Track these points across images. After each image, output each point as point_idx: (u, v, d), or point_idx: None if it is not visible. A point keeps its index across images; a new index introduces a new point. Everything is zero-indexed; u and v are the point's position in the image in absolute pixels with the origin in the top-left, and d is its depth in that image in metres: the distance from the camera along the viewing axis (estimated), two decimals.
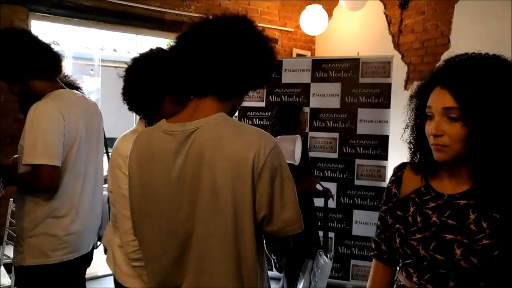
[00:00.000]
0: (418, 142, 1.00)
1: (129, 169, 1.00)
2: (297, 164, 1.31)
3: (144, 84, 1.25)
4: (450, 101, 0.87)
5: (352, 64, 3.36)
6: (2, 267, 2.51)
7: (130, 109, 1.33)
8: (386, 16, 3.93)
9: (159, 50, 1.30)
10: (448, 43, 3.33)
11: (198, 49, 0.93)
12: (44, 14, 3.24)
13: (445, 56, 3.65)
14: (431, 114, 0.92)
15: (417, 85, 1.01)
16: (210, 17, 0.97)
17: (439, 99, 0.90)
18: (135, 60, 1.30)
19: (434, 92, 0.92)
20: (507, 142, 0.85)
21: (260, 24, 4.24)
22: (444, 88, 0.89)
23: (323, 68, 3.43)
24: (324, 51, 4.63)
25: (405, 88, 3.72)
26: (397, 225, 1.02)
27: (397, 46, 3.81)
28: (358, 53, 3.64)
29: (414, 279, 0.97)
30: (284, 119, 2.49)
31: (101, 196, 1.73)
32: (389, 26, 3.90)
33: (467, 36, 3.18)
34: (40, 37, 1.58)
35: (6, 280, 2.37)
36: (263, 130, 0.93)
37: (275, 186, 0.89)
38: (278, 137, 1.28)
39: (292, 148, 1.26)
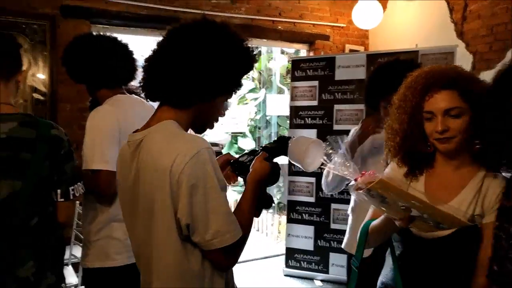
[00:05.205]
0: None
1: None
2: (308, 171, 1.11)
3: None
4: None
5: (410, 57, 3.14)
6: (70, 267, 2.67)
7: None
8: (448, 3, 3.65)
9: None
10: None
11: (152, 57, 0.97)
12: (104, 26, 3.41)
13: None
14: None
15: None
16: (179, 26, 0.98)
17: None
18: None
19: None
20: None
21: (311, 22, 4.19)
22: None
23: (379, 63, 3.25)
24: (378, 46, 4.41)
25: None
26: None
27: (460, 34, 3.52)
28: (416, 45, 3.42)
29: None
30: None
31: None
32: (451, 13, 3.62)
33: None
34: (129, 47, 1.63)
35: (74, 279, 2.50)
36: (198, 137, 0.92)
37: (197, 195, 0.86)
38: (299, 136, 1.11)
39: (302, 149, 1.08)
